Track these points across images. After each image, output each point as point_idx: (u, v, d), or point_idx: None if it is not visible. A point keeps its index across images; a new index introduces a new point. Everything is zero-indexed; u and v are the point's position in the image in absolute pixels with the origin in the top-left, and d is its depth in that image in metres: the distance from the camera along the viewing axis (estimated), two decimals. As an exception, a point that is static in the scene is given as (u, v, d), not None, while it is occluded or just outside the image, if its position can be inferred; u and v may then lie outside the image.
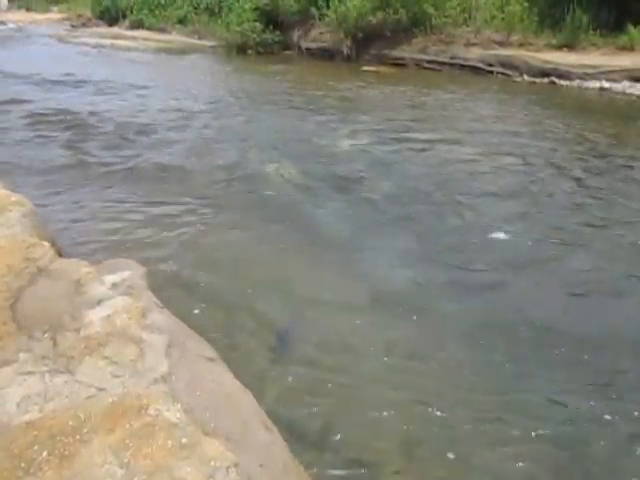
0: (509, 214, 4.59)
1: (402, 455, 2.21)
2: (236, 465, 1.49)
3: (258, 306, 3.20)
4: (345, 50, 13.90)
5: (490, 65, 11.71)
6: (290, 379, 2.60)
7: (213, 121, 7.73)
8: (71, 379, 1.76)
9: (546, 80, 10.70)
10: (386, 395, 2.52)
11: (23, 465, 1.44)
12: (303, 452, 2.01)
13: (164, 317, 2.16)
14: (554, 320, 3.13)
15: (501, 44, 12.07)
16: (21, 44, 18.27)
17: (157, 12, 22.12)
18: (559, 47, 11.33)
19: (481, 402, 2.51)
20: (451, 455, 2.20)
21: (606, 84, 9.94)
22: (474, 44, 12.32)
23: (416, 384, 2.60)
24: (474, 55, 12.06)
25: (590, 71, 10.20)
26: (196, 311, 3.07)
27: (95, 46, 17.31)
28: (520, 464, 2.17)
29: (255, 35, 15.45)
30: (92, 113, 7.84)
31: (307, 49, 15.21)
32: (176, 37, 19.77)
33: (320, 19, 14.59)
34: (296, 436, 2.14)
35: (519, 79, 11.09)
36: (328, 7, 14.21)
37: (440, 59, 12.54)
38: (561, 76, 10.53)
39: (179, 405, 1.67)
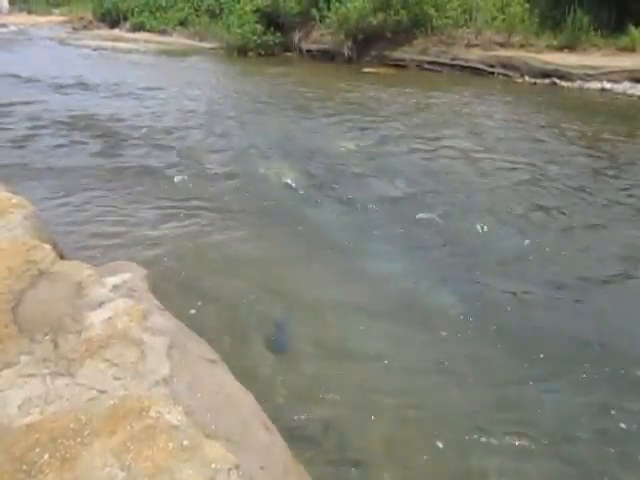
0: (510, 215, 4.59)
1: (404, 457, 2.21)
2: (237, 467, 1.49)
3: (259, 308, 3.20)
4: (346, 51, 13.91)
5: (491, 66, 11.72)
6: (291, 381, 2.60)
7: (214, 123, 7.73)
8: (72, 382, 1.76)
9: (547, 81, 10.70)
10: (386, 397, 2.51)
11: (24, 468, 1.43)
12: (304, 453, 2.01)
13: (165, 319, 2.16)
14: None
15: (502, 45, 12.08)
16: (22, 47, 18.31)
17: (158, 14, 22.16)
18: (560, 48, 11.34)
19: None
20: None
21: (607, 85, 9.94)
22: (475, 45, 12.33)
23: (416, 386, 2.60)
24: (475, 56, 12.07)
25: (591, 72, 10.20)
26: (197, 313, 3.07)
27: (96, 48, 17.34)
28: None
29: (256, 37, 15.47)
30: (93, 115, 7.85)
31: (308, 51, 15.23)
32: (177, 39, 19.81)
33: (321, 21, 14.60)
34: (296, 437, 2.13)
35: (520, 80, 11.09)
36: (329, 9, 14.22)
37: (441, 60, 12.55)
38: (562, 77, 10.53)
39: (180, 407, 1.67)
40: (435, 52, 12.74)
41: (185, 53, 16.81)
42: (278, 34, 15.72)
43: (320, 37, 14.98)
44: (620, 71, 9.95)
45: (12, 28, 25.95)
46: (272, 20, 15.73)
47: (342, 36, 13.90)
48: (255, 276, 3.57)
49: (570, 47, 11.23)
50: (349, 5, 13.43)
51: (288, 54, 15.79)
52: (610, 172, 5.63)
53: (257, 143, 6.71)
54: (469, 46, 12.38)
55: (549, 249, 3.98)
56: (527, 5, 12.22)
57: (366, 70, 12.80)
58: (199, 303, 3.20)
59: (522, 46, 11.79)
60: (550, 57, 11.06)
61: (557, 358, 2.81)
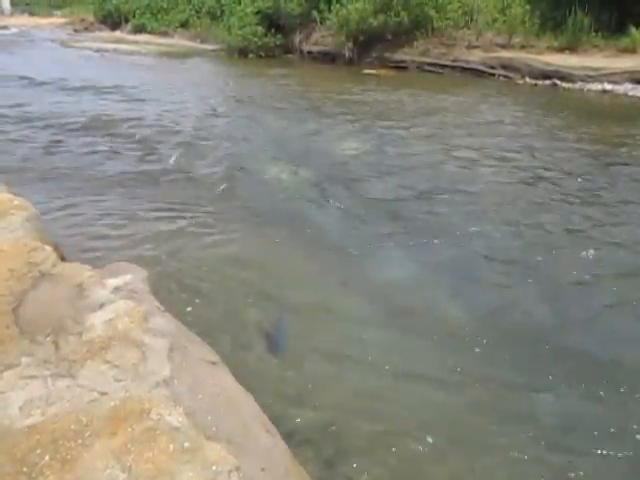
0: (513, 216, 4.58)
1: (403, 458, 2.21)
2: (238, 469, 1.49)
3: (260, 309, 3.20)
4: (346, 53, 13.92)
5: (492, 67, 11.72)
6: (292, 383, 2.60)
7: (215, 125, 7.74)
8: (73, 383, 1.76)
9: (548, 82, 10.70)
10: (387, 400, 2.51)
11: (25, 469, 1.43)
12: (304, 456, 2.01)
13: (166, 321, 2.16)
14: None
15: (503, 46, 12.08)
16: (25, 49, 18.35)
17: (159, 16, 22.21)
18: (561, 49, 11.34)
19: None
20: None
21: (608, 86, 9.93)
22: (475, 47, 12.34)
23: (416, 389, 2.60)
24: (476, 58, 12.07)
25: (592, 73, 10.20)
26: (198, 314, 3.07)
27: (98, 50, 17.37)
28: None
29: (256, 39, 15.49)
30: (94, 117, 7.86)
31: (309, 52, 15.24)
32: (178, 41, 19.84)
33: (321, 22, 14.61)
34: (297, 440, 2.13)
35: (521, 81, 11.09)
36: (330, 10, 14.23)
37: (441, 62, 12.55)
38: (563, 78, 10.52)
39: (181, 409, 1.66)
40: (436, 53, 12.74)
41: (186, 55, 16.83)
42: (279, 36, 15.74)
43: (321, 39, 15.00)
44: (621, 72, 9.95)
45: (14, 30, 26.00)
46: (273, 22, 15.75)
47: (343, 38, 13.91)
48: (256, 278, 3.57)
49: (571, 48, 11.23)
50: (350, 7, 13.44)
51: (289, 56, 15.80)
52: (612, 173, 5.62)
53: (258, 144, 6.71)
54: (470, 47, 12.38)
55: (551, 250, 3.98)
56: (528, 6, 12.23)
57: (367, 72, 12.81)
58: (200, 305, 3.20)
59: (523, 47, 11.79)
60: (551, 58, 11.06)
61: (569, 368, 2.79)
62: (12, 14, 35.31)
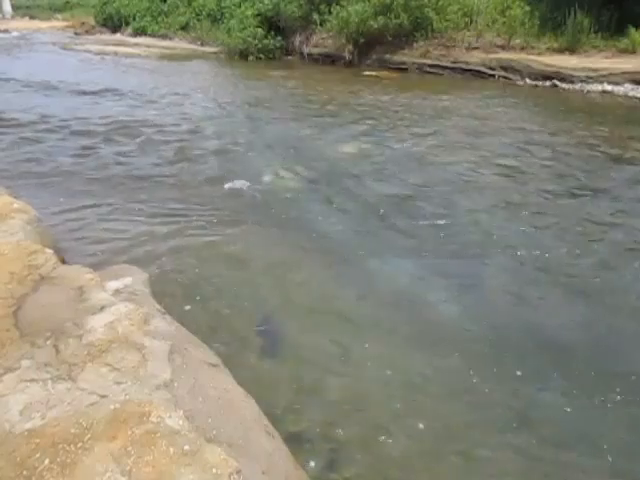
0: (514, 217, 4.58)
1: (402, 461, 2.20)
2: (238, 472, 1.49)
3: (261, 311, 3.20)
4: (347, 55, 13.93)
5: (492, 69, 11.71)
6: (293, 385, 2.59)
7: (216, 126, 7.74)
8: (73, 386, 1.76)
9: (548, 83, 10.70)
10: (388, 402, 2.51)
11: (25, 473, 1.43)
12: (305, 459, 2.00)
13: (166, 323, 2.17)
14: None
15: (503, 48, 12.08)
16: (25, 52, 18.38)
17: (160, 19, 22.24)
18: (561, 50, 11.33)
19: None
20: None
21: (608, 87, 9.93)
22: (475, 48, 12.34)
23: (416, 393, 2.59)
24: (476, 59, 12.07)
25: (592, 74, 10.19)
26: (199, 317, 3.07)
27: (98, 53, 17.39)
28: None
29: (257, 41, 15.51)
30: (94, 119, 7.87)
31: (309, 54, 15.25)
32: (179, 44, 19.86)
33: (321, 24, 14.63)
34: (298, 442, 2.13)
35: (521, 83, 11.09)
36: (330, 12, 14.25)
37: (442, 63, 12.55)
38: (563, 79, 10.52)
39: (181, 412, 1.66)
40: (436, 55, 12.74)
41: (187, 57, 16.85)
42: (279, 38, 15.75)
43: (321, 41, 15.01)
44: (621, 73, 9.94)
45: (15, 33, 26.05)
46: (273, 24, 15.76)
47: (343, 40, 13.92)
48: (257, 280, 3.57)
49: (571, 49, 11.23)
50: (350, 9, 13.44)
51: (289, 58, 15.82)
52: (613, 173, 5.62)
53: (259, 145, 6.71)
54: (470, 49, 12.38)
55: (553, 250, 3.97)
56: (527, 8, 12.22)
57: (367, 73, 12.81)
58: (201, 307, 3.20)
59: (523, 49, 11.79)
60: (551, 59, 11.06)
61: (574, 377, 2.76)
62: (13, 17, 35.42)
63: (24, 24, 31.06)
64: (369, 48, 13.75)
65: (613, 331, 3.11)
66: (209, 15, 19.86)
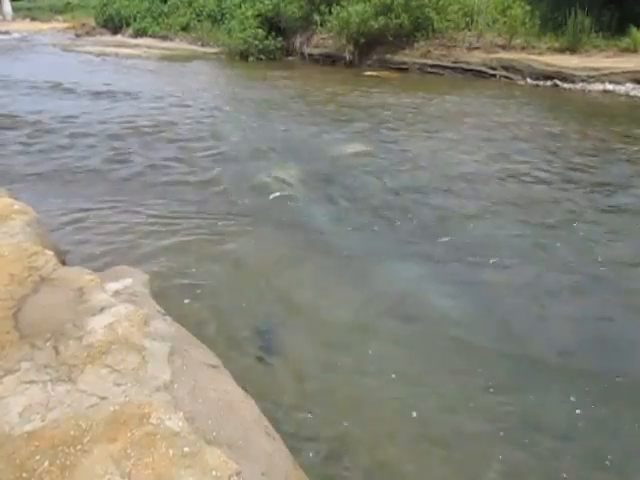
0: (517, 218, 4.57)
1: (402, 462, 2.20)
2: (238, 474, 1.49)
3: (262, 312, 3.19)
4: (347, 55, 13.92)
5: (493, 69, 11.70)
6: (294, 386, 2.59)
7: (218, 127, 7.74)
8: (73, 388, 1.75)
9: (549, 83, 10.69)
10: (390, 405, 2.50)
11: (25, 475, 1.43)
12: (305, 460, 1.99)
13: (166, 324, 2.16)
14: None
15: (503, 48, 12.06)
16: (26, 54, 18.41)
17: (160, 20, 22.25)
18: (562, 50, 11.32)
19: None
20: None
21: (609, 86, 9.92)
22: (476, 48, 12.32)
23: (418, 396, 2.59)
24: (476, 59, 12.06)
25: (593, 74, 10.18)
26: (199, 318, 3.06)
27: (99, 54, 17.41)
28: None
29: (257, 42, 15.51)
30: (94, 119, 7.88)
31: (309, 55, 15.25)
32: (179, 44, 19.87)
33: (322, 25, 14.62)
34: (298, 444, 2.12)
35: (522, 82, 11.08)
36: (330, 13, 14.24)
37: (442, 63, 12.54)
38: (564, 79, 10.51)
39: (181, 413, 1.66)
40: (437, 55, 12.73)
41: (187, 58, 16.86)
42: (280, 38, 15.75)
43: (321, 41, 15.00)
44: (622, 72, 9.93)
45: (16, 35, 26.08)
46: (274, 25, 15.76)
47: (343, 40, 13.91)
48: (258, 281, 3.57)
49: (572, 49, 11.21)
50: (350, 9, 13.44)
51: (290, 58, 15.82)
52: (615, 173, 5.60)
53: (261, 146, 6.70)
54: (470, 49, 12.37)
55: (557, 253, 3.96)
56: (528, 7, 12.21)
57: (368, 74, 12.81)
58: (201, 308, 3.19)
59: (524, 48, 11.77)
60: (552, 59, 11.05)
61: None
62: (14, 19, 35.46)
63: (25, 26, 31.11)
64: (370, 48, 13.75)
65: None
66: (209, 16, 19.87)
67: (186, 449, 1.52)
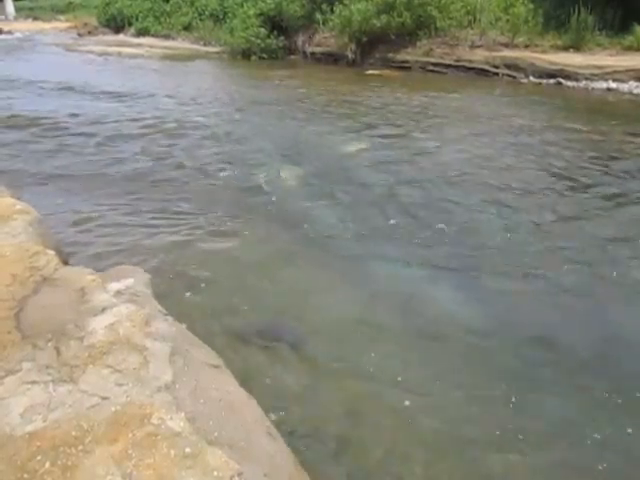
0: (519, 217, 4.55)
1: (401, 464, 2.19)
2: (240, 474, 1.48)
3: (264, 311, 3.19)
4: (349, 54, 13.90)
5: (495, 67, 11.67)
6: (296, 387, 2.58)
7: (220, 126, 7.74)
8: (75, 388, 1.75)
9: (552, 81, 10.65)
10: (393, 407, 2.49)
11: (26, 476, 1.43)
12: (308, 461, 1.99)
13: (168, 324, 2.15)
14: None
15: (506, 46, 12.03)
16: (28, 53, 18.44)
17: (162, 19, 22.27)
18: (565, 48, 11.28)
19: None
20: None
21: (613, 84, 9.88)
22: (479, 46, 12.29)
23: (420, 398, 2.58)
24: (479, 57, 12.02)
25: (597, 72, 10.14)
26: (201, 318, 3.06)
27: (101, 54, 17.43)
28: None
29: (259, 41, 15.50)
30: (94, 119, 7.89)
31: (312, 54, 15.23)
32: (181, 44, 19.88)
33: (324, 24, 14.60)
34: (300, 445, 2.12)
35: (525, 81, 11.04)
36: (332, 12, 14.22)
37: (445, 62, 12.51)
38: (567, 77, 10.48)
39: (182, 414, 1.65)
40: (439, 54, 12.70)
41: (189, 57, 16.87)
42: (282, 37, 15.74)
43: (323, 40, 14.98)
44: (626, 70, 9.89)
45: (18, 35, 26.14)
46: (275, 24, 15.76)
47: (345, 39, 13.89)
48: (260, 280, 3.56)
49: (575, 47, 11.17)
50: (352, 8, 13.42)
51: (292, 57, 15.82)
52: (617, 172, 5.58)
53: (263, 145, 6.70)
54: (473, 47, 12.33)
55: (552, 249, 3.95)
56: (531, 5, 12.17)
57: (370, 72, 12.79)
58: (203, 308, 3.19)
59: (527, 46, 11.74)
60: (555, 57, 11.01)
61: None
62: (16, 19, 35.53)
63: (27, 25, 31.16)
64: (372, 47, 13.72)
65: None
66: (212, 15, 19.88)
67: (187, 450, 1.51)
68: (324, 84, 11.30)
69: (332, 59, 14.48)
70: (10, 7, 36.24)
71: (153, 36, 21.83)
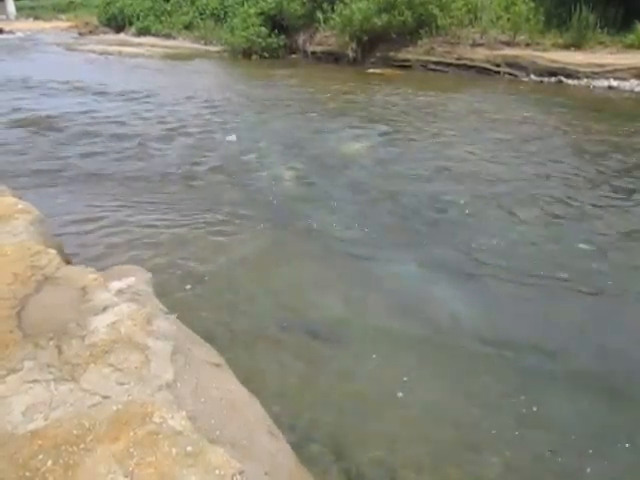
0: (523, 216, 4.53)
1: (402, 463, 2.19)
2: (241, 473, 1.48)
3: (265, 310, 3.19)
4: (350, 53, 13.89)
5: (497, 65, 11.65)
6: (297, 385, 2.58)
7: (222, 126, 7.74)
8: (76, 387, 1.75)
9: (553, 79, 10.64)
10: (396, 409, 2.49)
11: (28, 475, 1.43)
12: (309, 460, 1.99)
13: (169, 323, 2.16)
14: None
15: (507, 44, 12.01)
16: (30, 53, 18.46)
17: (163, 18, 22.28)
18: (566, 46, 11.26)
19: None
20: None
21: (614, 83, 9.87)
22: (480, 45, 12.27)
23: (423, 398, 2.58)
24: (480, 56, 12.01)
25: (598, 70, 10.13)
26: (202, 316, 3.06)
27: (102, 53, 17.45)
28: None
29: (260, 40, 15.50)
30: (100, 120, 7.89)
31: (312, 53, 15.23)
32: (182, 43, 19.90)
33: (325, 23, 14.59)
34: (302, 443, 2.12)
35: (526, 79, 11.03)
36: (333, 10, 14.21)
37: (446, 60, 12.49)
38: (569, 75, 10.46)
39: (184, 412, 1.66)
40: (440, 52, 12.68)
41: (190, 57, 16.88)
42: (282, 37, 15.74)
43: (324, 39, 14.97)
44: (627, 69, 9.87)
45: (19, 34, 26.18)
46: (276, 23, 15.75)
47: (346, 38, 13.87)
48: (261, 279, 3.56)
49: (576, 45, 11.15)
50: (353, 7, 13.40)
51: (293, 56, 15.81)
52: (618, 171, 5.57)
53: (265, 144, 6.70)
54: (474, 46, 12.31)
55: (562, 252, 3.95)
56: (532, 4, 12.15)
57: (371, 71, 12.79)
58: (205, 307, 3.19)
59: (528, 45, 11.72)
60: (556, 55, 10.99)
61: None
62: (17, 18, 35.57)
63: (28, 25, 31.21)
64: (373, 46, 13.71)
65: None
66: (212, 14, 19.89)
67: (189, 448, 1.52)
68: (325, 83, 11.30)
69: (333, 58, 14.47)
70: (11, 6, 36.29)
71: (154, 35, 21.85)
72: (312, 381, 2.62)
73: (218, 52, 17.28)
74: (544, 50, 11.37)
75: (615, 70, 9.95)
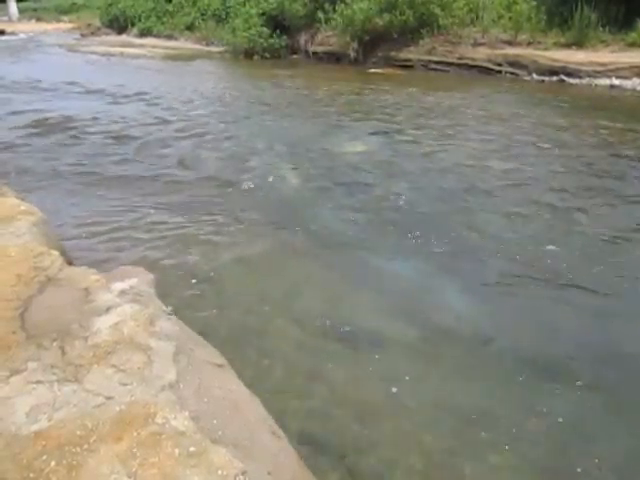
0: (527, 216, 4.53)
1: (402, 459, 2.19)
2: (244, 473, 1.49)
3: (267, 310, 3.19)
4: (352, 53, 13.89)
5: (498, 65, 11.64)
6: (299, 386, 2.59)
7: (224, 126, 7.75)
8: (79, 388, 1.76)
9: (555, 78, 10.63)
10: (400, 410, 2.50)
11: (31, 475, 1.44)
12: (312, 460, 1.99)
13: (172, 324, 2.16)
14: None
15: (509, 43, 12.00)
16: (32, 54, 18.50)
17: (165, 19, 22.32)
18: (568, 45, 11.24)
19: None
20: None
21: (616, 81, 9.85)
22: (481, 44, 12.26)
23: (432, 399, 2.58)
24: (482, 55, 12.00)
25: (599, 69, 10.11)
26: (205, 317, 3.07)
27: (104, 54, 17.48)
28: None
29: (262, 40, 15.52)
30: (102, 120, 7.91)
31: (314, 53, 15.24)
32: (184, 44, 19.93)
33: (326, 23, 14.60)
34: (304, 443, 2.12)
35: (528, 78, 11.02)
36: (334, 10, 14.21)
37: (447, 60, 12.49)
38: (570, 74, 10.45)
39: (186, 413, 1.66)
40: (442, 52, 12.68)
41: (192, 57, 16.90)
42: (284, 37, 15.75)
43: (326, 39, 14.98)
44: (629, 67, 9.85)
45: (22, 36, 26.25)
46: (278, 23, 15.77)
47: (348, 38, 13.88)
48: (262, 279, 3.57)
49: (578, 44, 11.13)
50: (355, 7, 13.41)
51: (294, 56, 15.82)
52: (621, 170, 5.56)
53: (267, 144, 6.71)
54: (476, 45, 12.31)
55: (564, 252, 3.94)
56: (534, 3, 12.13)
57: (372, 71, 12.79)
58: (207, 307, 3.20)
59: (529, 44, 11.71)
60: (558, 54, 10.98)
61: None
62: (19, 20, 35.65)
63: (30, 26, 31.28)
64: (374, 46, 13.71)
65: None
66: (214, 15, 19.91)
67: (192, 448, 1.52)
68: (327, 83, 11.30)
69: (334, 58, 14.47)
70: (13, 8, 36.37)
71: (156, 36, 21.89)
72: (316, 381, 2.62)
73: (220, 53, 17.31)
74: (546, 49, 11.36)
75: (617, 69, 9.93)
